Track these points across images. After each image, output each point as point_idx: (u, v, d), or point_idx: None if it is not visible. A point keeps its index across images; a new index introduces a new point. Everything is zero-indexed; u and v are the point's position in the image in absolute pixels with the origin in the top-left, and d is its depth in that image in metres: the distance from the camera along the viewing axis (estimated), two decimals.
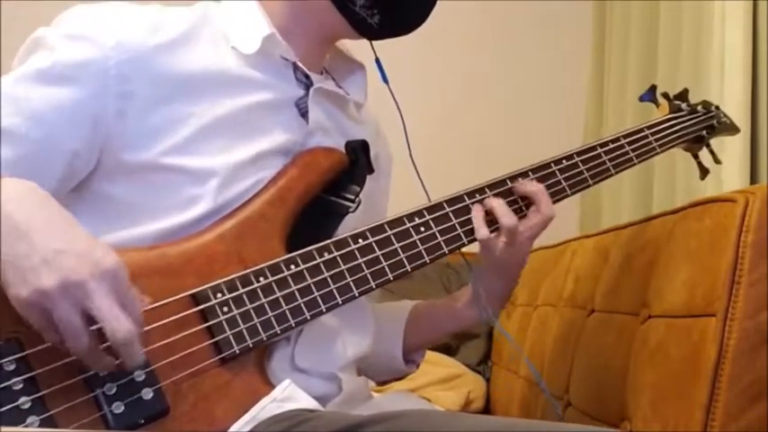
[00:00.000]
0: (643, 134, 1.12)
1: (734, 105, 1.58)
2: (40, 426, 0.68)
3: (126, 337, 0.68)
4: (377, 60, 1.01)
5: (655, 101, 1.22)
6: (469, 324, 1.08)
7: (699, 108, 1.22)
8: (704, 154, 1.25)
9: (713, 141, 1.25)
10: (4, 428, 0.66)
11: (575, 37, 2.56)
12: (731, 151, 1.56)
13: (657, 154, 1.13)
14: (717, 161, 1.26)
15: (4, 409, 0.67)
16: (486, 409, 1.96)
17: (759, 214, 0.85)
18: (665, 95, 1.22)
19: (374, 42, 0.99)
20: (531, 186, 0.98)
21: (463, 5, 2.58)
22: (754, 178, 1.59)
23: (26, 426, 0.67)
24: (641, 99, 1.23)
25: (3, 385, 0.67)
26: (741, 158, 1.56)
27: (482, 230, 0.95)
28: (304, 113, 0.92)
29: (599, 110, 2.37)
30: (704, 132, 1.21)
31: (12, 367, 0.68)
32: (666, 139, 1.14)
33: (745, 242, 0.85)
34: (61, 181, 0.83)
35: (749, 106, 1.59)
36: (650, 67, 2.01)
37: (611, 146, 1.08)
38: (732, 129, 1.27)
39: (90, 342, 0.68)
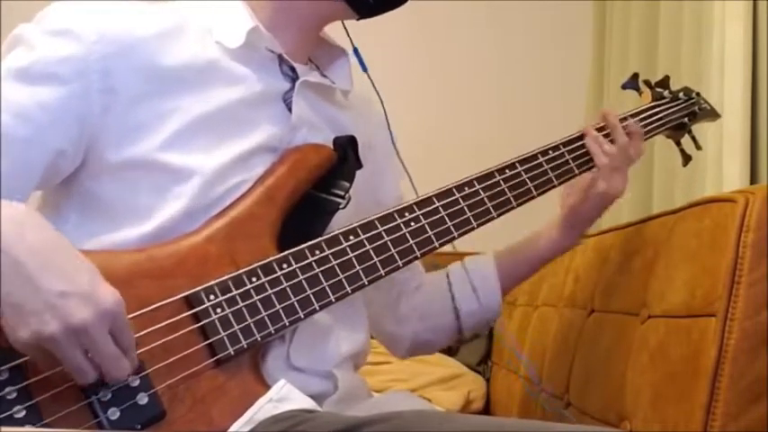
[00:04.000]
0: (627, 122, 1.12)
1: (734, 105, 1.58)
2: None
3: (124, 376, 0.70)
4: (355, 50, 1.01)
5: (637, 89, 1.22)
6: (563, 251, 1.15)
7: (680, 95, 1.22)
8: (686, 141, 1.25)
9: (695, 127, 1.25)
10: (4, 428, 0.65)
11: (575, 37, 2.56)
12: (731, 151, 1.56)
13: (643, 141, 1.13)
14: (698, 147, 1.26)
15: None
16: (487, 409, 1.96)
17: (759, 214, 0.85)
18: (647, 83, 1.23)
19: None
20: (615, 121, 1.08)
21: (463, 5, 2.58)
22: (754, 178, 1.59)
23: None
24: (624, 87, 1.23)
25: None
26: (741, 158, 1.56)
27: (602, 158, 1.05)
28: (291, 108, 0.92)
29: (599, 110, 2.37)
30: (686, 119, 1.21)
31: (5, 376, 0.68)
32: (650, 127, 1.15)
33: (745, 242, 0.85)
34: (44, 179, 0.82)
35: (749, 106, 1.59)
36: (650, 66, 2.01)
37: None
38: (713, 114, 1.27)
39: (95, 377, 0.69)
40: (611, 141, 1.08)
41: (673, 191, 1.78)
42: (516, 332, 1.70)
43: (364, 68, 1.00)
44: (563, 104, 2.57)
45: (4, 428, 0.65)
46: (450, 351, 2.06)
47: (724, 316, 0.83)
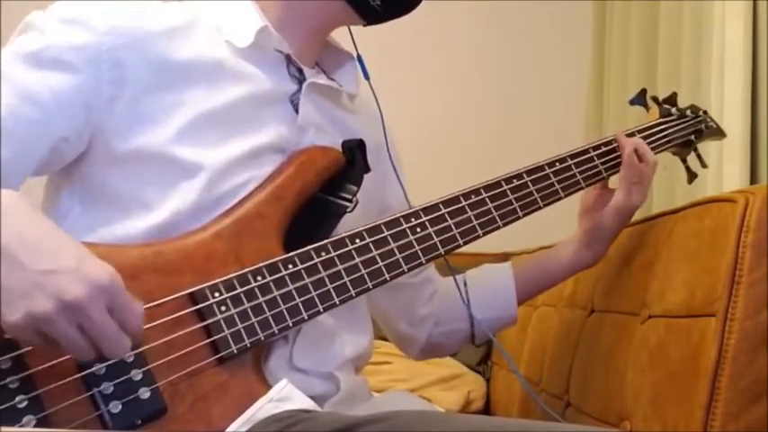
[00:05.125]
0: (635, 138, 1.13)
1: (734, 105, 1.58)
2: (36, 425, 0.67)
3: (124, 353, 0.68)
4: (358, 57, 1.01)
5: (645, 105, 1.23)
6: (584, 268, 1.15)
7: (687, 112, 1.23)
8: (692, 158, 1.26)
9: (700, 145, 1.26)
10: (3, 428, 0.65)
11: (575, 37, 2.56)
12: (731, 151, 1.56)
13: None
14: (704, 165, 1.27)
15: (0, 408, 0.66)
16: (487, 409, 1.96)
17: (759, 214, 0.85)
18: (655, 99, 1.23)
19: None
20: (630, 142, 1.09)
21: (464, 5, 2.58)
22: (754, 178, 1.59)
23: (22, 425, 0.67)
24: (632, 103, 1.24)
25: None
26: (741, 158, 1.56)
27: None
28: (298, 109, 0.92)
29: (599, 110, 2.37)
30: (692, 137, 1.22)
31: (7, 365, 0.68)
32: (657, 143, 1.15)
33: (745, 242, 0.85)
34: (43, 163, 0.82)
35: (749, 106, 1.59)
36: (650, 66, 2.01)
37: (604, 149, 1.10)
38: (719, 133, 1.28)
39: (94, 354, 0.67)
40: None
41: (673, 191, 1.78)
42: (516, 332, 1.70)
43: (366, 76, 1.01)
44: (563, 105, 2.57)
45: (4, 429, 0.65)
46: None
47: (724, 316, 0.83)
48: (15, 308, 0.64)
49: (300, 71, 0.94)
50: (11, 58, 0.81)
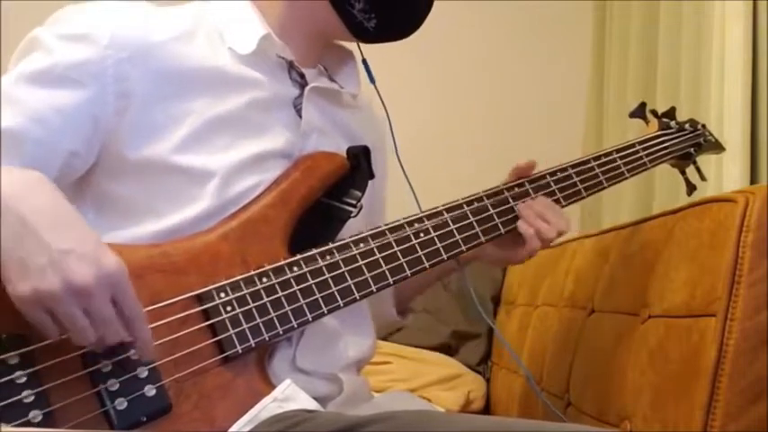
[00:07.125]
0: (635, 149, 1.14)
1: (734, 105, 1.58)
2: (42, 419, 0.68)
3: (115, 342, 0.69)
4: (364, 61, 1.02)
5: (644, 118, 1.25)
6: (455, 268, 1.08)
7: (686, 126, 1.24)
8: (691, 171, 1.27)
9: (700, 158, 1.27)
10: (4, 428, 0.65)
11: (575, 38, 2.56)
12: (731, 151, 1.56)
13: (648, 169, 1.15)
14: (703, 178, 1.28)
15: (7, 402, 0.67)
16: (487, 409, 1.96)
17: (759, 214, 0.85)
18: (654, 113, 1.25)
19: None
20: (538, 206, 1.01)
21: (463, 6, 2.58)
22: (754, 178, 1.59)
23: (28, 419, 0.67)
24: (631, 116, 1.26)
25: (6, 379, 0.68)
26: (741, 158, 1.56)
27: (530, 231, 0.99)
28: (301, 114, 0.92)
29: (599, 111, 2.37)
30: (692, 150, 1.23)
31: (15, 361, 0.69)
32: (656, 155, 1.16)
33: (745, 242, 0.85)
34: (57, 179, 0.82)
35: (749, 106, 1.59)
36: (650, 67, 2.01)
37: (604, 159, 1.11)
38: (718, 147, 1.30)
39: (95, 338, 0.68)
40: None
41: (673, 191, 1.78)
42: (516, 332, 1.70)
43: (372, 80, 1.02)
44: (563, 106, 2.57)
45: (4, 428, 0.65)
46: (450, 351, 2.06)
47: (724, 316, 0.83)
48: (26, 280, 0.65)
49: (302, 76, 0.94)
50: (19, 78, 0.81)
